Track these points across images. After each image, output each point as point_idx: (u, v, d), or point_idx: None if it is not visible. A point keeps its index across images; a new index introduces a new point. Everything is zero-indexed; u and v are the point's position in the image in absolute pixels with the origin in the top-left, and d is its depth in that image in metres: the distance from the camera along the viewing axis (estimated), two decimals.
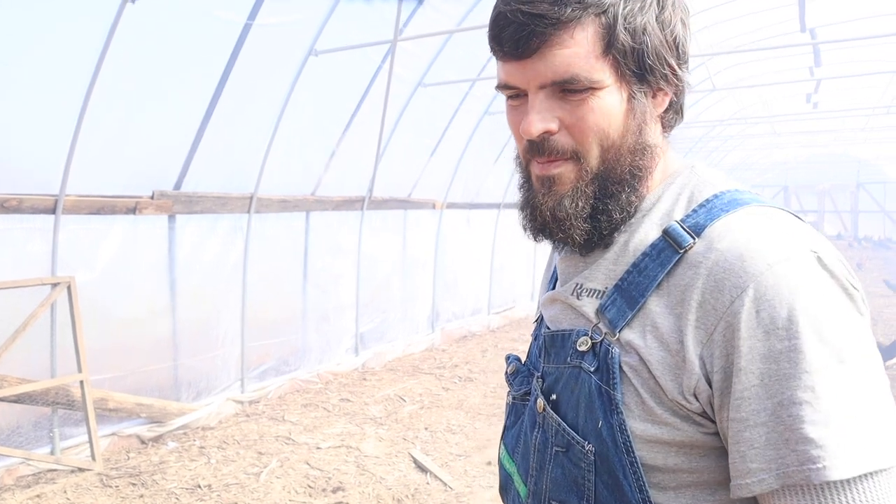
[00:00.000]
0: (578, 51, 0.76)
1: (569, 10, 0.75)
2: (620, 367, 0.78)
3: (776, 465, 0.67)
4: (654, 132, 0.85)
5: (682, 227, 0.79)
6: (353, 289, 6.60)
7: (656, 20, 0.79)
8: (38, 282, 3.93)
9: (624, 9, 0.77)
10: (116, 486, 3.92)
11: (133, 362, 4.60)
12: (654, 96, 0.84)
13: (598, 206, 0.83)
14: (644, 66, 0.80)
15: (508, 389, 1.06)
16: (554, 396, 0.88)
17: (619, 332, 0.80)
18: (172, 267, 4.82)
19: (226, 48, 4.47)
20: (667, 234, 0.80)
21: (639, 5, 0.78)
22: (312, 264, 6.11)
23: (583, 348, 0.83)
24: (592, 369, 0.81)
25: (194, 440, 4.70)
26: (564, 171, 0.83)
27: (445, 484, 4.11)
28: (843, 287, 0.72)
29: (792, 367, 0.67)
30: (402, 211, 7.19)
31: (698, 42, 8.21)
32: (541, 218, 0.86)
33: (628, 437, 0.76)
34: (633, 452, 0.76)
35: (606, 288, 0.84)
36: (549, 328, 0.94)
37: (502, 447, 1.03)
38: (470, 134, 7.51)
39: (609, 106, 0.79)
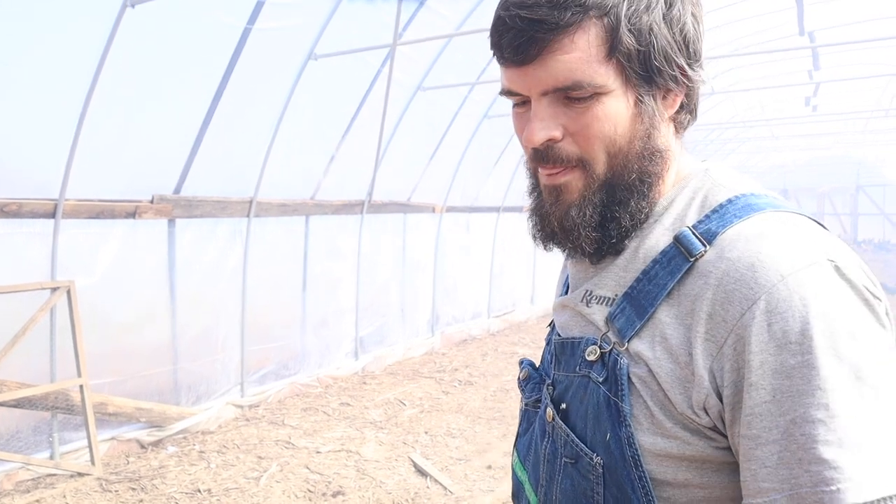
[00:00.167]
0: (580, 56, 0.73)
1: (568, 14, 0.72)
2: (629, 378, 0.76)
3: (789, 486, 0.64)
4: (664, 135, 0.82)
5: (693, 233, 0.76)
6: (353, 293, 6.60)
7: (663, 19, 0.76)
8: (37, 286, 3.93)
9: (628, 9, 0.73)
10: (116, 491, 3.92)
11: (133, 366, 4.59)
12: (664, 98, 0.80)
13: (607, 214, 0.80)
14: (651, 69, 0.76)
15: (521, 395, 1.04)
16: (564, 406, 0.86)
17: (628, 341, 0.77)
18: (172, 271, 4.82)
19: (225, 52, 4.47)
20: (678, 240, 0.77)
21: (644, 4, 0.74)
22: (312, 268, 6.11)
23: (591, 358, 0.81)
24: (601, 380, 0.79)
25: (194, 444, 4.69)
26: (571, 179, 0.80)
27: (445, 488, 4.10)
28: (863, 298, 0.68)
29: (805, 383, 0.64)
30: (401, 215, 7.20)
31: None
32: (549, 228, 0.84)
33: (637, 450, 0.74)
34: (642, 466, 0.74)
35: (616, 295, 0.82)
36: (559, 335, 0.92)
37: (515, 454, 1.02)
38: (469, 138, 7.52)
39: (615, 111, 0.76)
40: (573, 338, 0.87)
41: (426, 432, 5.08)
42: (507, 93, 0.82)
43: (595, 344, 0.82)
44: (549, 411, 0.88)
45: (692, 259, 0.75)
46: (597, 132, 0.77)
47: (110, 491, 3.92)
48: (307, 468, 4.36)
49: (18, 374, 3.89)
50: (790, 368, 0.65)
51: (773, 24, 8.43)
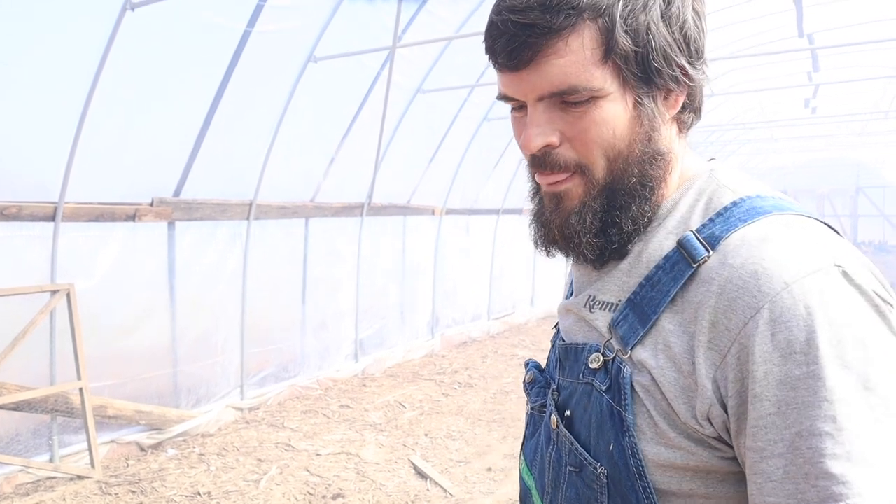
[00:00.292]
0: (575, 59, 0.71)
1: (561, 17, 0.70)
2: (632, 387, 0.74)
3: (795, 501, 0.62)
4: (666, 137, 0.80)
5: (697, 237, 0.74)
6: (353, 295, 6.59)
7: (662, 17, 0.73)
8: (37, 289, 3.93)
9: (623, 9, 0.71)
10: (116, 494, 3.91)
11: (132, 369, 4.59)
12: (664, 98, 0.78)
13: (608, 220, 0.79)
14: (650, 70, 0.74)
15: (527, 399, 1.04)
16: (568, 413, 0.85)
17: (632, 349, 0.75)
18: (172, 274, 4.82)
19: (225, 55, 4.48)
20: (681, 245, 0.75)
21: (641, 3, 0.72)
22: (312, 271, 6.11)
23: (594, 365, 0.80)
24: (604, 388, 0.78)
25: (194, 447, 4.68)
26: (571, 186, 0.79)
27: (445, 490, 4.10)
28: (873, 304, 0.66)
29: (811, 394, 0.61)
30: (401, 217, 7.20)
31: None
32: (550, 235, 0.83)
33: (640, 461, 0.73)
34: (646, 477, 0.72)
35: (619, 301, 0.80)
36: (563, 340, 0.91)
37: (522, 458, 1.01)
38: (469, 140, 7.52)
39: (613, 115, 0.74)
40: (577, 344, 0.86)
41: (426, 435, 5.08)
42: (503, 98, 0.80)
43: (598, 351, 0.80)
44: (554, 418, 0.87)
45: (695, 265, 0.73)
46: (595, 137, 0.75)
47: (110, 494, 3.91)
48: (307, 471, 4.35)
49: (18, 377, 3.89)
50: (795, 379, 0.63)
51: (772, 25, 8.44)
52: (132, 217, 4.36)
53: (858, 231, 25.05)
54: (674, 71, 0.75)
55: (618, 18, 0.71)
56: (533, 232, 0.87)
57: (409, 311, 7.48)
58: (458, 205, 7.98)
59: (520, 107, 0.80)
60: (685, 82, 0.78)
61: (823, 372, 0.61)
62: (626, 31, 0.71)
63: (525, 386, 1.03)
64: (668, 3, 0.74)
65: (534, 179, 0.85)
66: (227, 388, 5.29)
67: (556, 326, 1.01)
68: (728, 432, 0.69)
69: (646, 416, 0.73)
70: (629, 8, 0.71)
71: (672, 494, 0.73)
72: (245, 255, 5.31)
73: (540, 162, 0.79)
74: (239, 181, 5.18)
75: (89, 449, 4.12)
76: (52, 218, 3.96)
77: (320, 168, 5.87)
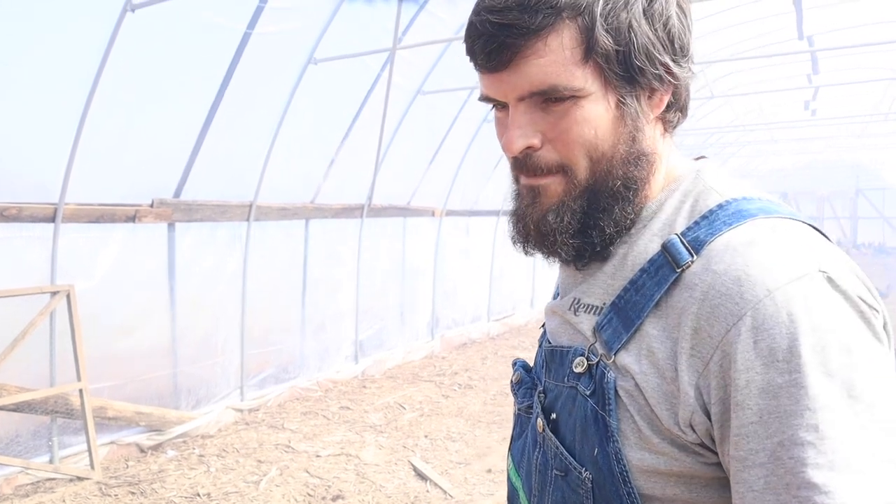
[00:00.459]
0: (554, 59, 0.70)
1: (540, 17, 0.69)
2: (616, 392, 0.73)
3: None
4: (650, 137, 0.78)
5: (681, 241, 0.73)
6: (353, 296, 6.59)
7: (644, 14, 0.71)
8: (37, 290, 3.93)
9: (604, 7, 0.70)
10: (115, 495, 3.91)
11: (132, 370, 4.59)
12: (649, 98, 0.76)
13: (589, 222, 0.77)
14: (632, 69, 0.72)
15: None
16: (553, 416, 0.84)
17: (615, 354, 0.75)
18: (172, 275, 4.82)
19: (225, 56, 4.48)
20: (665, 248, 0.74)
21: (622, 1, 0.70)
22: (312, 272, 6.11)
23: (579, 369, 0.79)
24: (588, 392, 0.77)
25: (194, 448, 4.68)
26: (551, 183, 0.77)
27: (445, 492, 4.10)
28: (858, 310, 0.65)
29: (793, 403, 0.60)
30: (401, 218, 7.20)
31: (696, 50, 8.23)
32: (525, 230, 0.81)
33: (625, 466, 0.72)
34: (631, 482, 0.72)
35: (604, 304, 0.79)
36: (549, 342, 0.90)
37: (510, 459, 1.00)
38: (469, 141, 7.53)
39: (594, 115, 0.73)
40: (562, 346, 0.85)
41: (426, 436, 5.08)
42: (485, 99, 0.80)
43: (582, 355, 0.79)
44: (540, 422, 0.86)
45: (679, 269, 0.71)
46: (576, 137, 0.74)
47: (110, 495, 3.91)
48: (307, 472, 4.35)
49: (18, 378, 3.89)
50: (777, 388, 0.61)
51: (772, 28, 8.45)
52: (132, 218, 4.37)
53: (858, 233, 25.05)
54: (657, 69, 0.74)
55: (598, 17, 0.70)
56: (510, 227, 0.85)
57: (408, 313, 7.49)
58: (458, 206, 7.98)
59: (502, 107, 0.79)
60: (670, 81, 0.76)
61: (806, 380, 0.60)
62: (606, 30, 0.70)
63: (512, 386, 1.02)
64: (651, 0, 0.72)
65: (516, 179, 0.84)
66: (227, 389, 5.29)
67: (542, 326, 1.00)
68: (711, 439, 0.68)
69: (630, 422, 0.73)
70: (610, 6, 0.70)
71: (656, 499, 0.72)
72: (245, 257, 5.31)
73: (522, 164, 0.78)
74: (239, 182, 5.18)
75: (89, 450, 4.12)
76: (53, 219, 3.96)
77: (320, 169, 5.87)
